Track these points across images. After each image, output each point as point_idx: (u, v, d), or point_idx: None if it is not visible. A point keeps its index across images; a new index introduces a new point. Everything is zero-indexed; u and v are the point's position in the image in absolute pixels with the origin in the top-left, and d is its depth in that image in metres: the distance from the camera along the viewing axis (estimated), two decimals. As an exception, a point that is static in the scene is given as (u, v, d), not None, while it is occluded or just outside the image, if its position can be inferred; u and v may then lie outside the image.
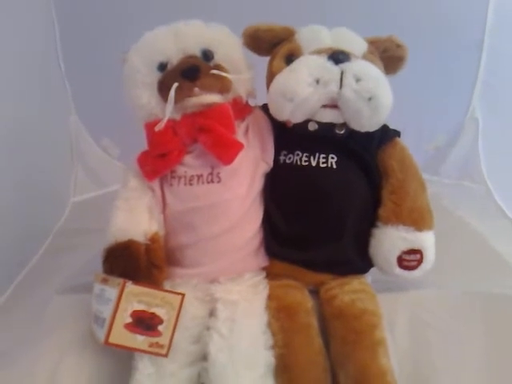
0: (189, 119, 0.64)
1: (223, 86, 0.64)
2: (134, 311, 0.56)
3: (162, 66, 0.64)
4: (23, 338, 0.67)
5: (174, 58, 0.64)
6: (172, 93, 0.61)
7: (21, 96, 0.98)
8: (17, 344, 0.66)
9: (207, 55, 0.65)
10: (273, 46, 0.69)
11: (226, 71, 0.64)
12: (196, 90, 0.62)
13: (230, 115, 0.64)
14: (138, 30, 0.67)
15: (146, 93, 0.64)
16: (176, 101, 0.62)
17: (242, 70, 0.67)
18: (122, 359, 0.60)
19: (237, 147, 0.63)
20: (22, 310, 0.78)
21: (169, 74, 0.63)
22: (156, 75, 0.64)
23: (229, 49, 0.67)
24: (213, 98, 0.64)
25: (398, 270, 0.64)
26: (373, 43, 0.67)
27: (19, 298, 0.84)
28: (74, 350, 0.63)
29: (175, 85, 0.61)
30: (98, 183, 1.33)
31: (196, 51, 0.64)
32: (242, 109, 0.68)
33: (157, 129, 0.62)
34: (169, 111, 0.62)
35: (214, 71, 0.63)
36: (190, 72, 0.61)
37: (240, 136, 0.67)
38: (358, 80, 0.58)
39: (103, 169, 1.35)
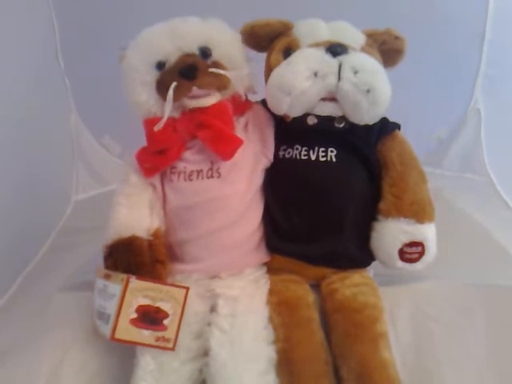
0: (188, 116, 0.64)
1: (221, 83, 0.64)
2: (139, 306, 0.56)
3: (160, 65, 0.63)
4: (26, 335, 0.68)
5: (171, 56, 0.63)
6: (170, 93, 0.60)
7: (21, 95, 0.98)
8: (20, 342, 0.67)
9: (205, 53, 0.64)
10: (271, 40, 0.69)
11: (224, 68, 0.64)
12: (194, 89, 0.61)
13: (228, 112, 0.64)
14: (138, 26, 0.67)
15: (144, 91, 0.64)
16: (175, 99, 0.61)
17: (240, 65, 0.66)
18: (125, 356, 0.60)
19: (236, 142, 0.63)
20: (24, 307, 0.79)
21: (167, 74, 0.62)
22: (154, 74, 0.63)
23: (226, 45, 0.66)
24: (210, 100, 0.63)
25: (400, 263, 0.63)
26: (371, 36, 0.67)
27: (22, 295, 0.84)
28: (77, 347, 0.63)
29: (173, 84, 0.60)
30: (100, 181, 1.33)
31: (194, 49, 0.64)
32: (240, 104, 0.68)
33: (156, 129, 0.62)
34: (168, 111, 0.62)
35: (212, 69, 0.62)
36: (188, 71, 0.61)
37: (239, 131, 0.67)
38: (355, 72, 0.58)
39: (105, 167, 1.34)
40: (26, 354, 0.63)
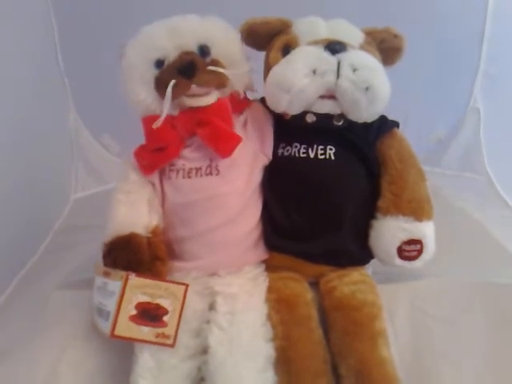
0: (187, 114, 0.64)
1: (220, 81, 0.64)
2: (139, 303, 0.56)
3: (159, 63, 0.63)
4: (25, 333, 0.68)
5: (170, 54, 0.63)
6: (169, 90, 0.60)
7: (20, 94, 0.98)
8: (19, 340, 0.66)
9: (204, 51, 0.64)
10: (270, 39, 0.68)
11: (222, 66, 0.63)
12: (193, 87, 0.61)
13: (227, 110, 0.64)
14: (137, 25, 0.67)
15: (143, 89, 0.64)
16: (173, 97, 0.61)
17: (239, 63, 0.66)
18: (124, 353, 0.60)
19: (235, 140, 0.63)
20: (23, 305, 0.79)
21: (165, 71, 0.62)
22: (153, 72, 0.63)
23: (226, 43, 0.66)
24: (209, 99, 0.63)
25: (399, 261, 0.64)
26: (370, 34, 0.67)
27: (21, 294, 0.84)
28: (76, 344, 0.63)
29: (172, 82, 0.60)
30: (99, 180, 1.33)
31: (193, 47, 0.63)
32: (239, 102, 0.68)
33: (154, 126, 0.62)
34: (166, 109, 0.61)
35: (211, 67, 0.62)
36: (187, 69, 0.61)
37: (238, 129, 0.67)
38: (354, 70, 0.57)
39: (103, 165, 1.35)
40: (24, 353, 0.63)
